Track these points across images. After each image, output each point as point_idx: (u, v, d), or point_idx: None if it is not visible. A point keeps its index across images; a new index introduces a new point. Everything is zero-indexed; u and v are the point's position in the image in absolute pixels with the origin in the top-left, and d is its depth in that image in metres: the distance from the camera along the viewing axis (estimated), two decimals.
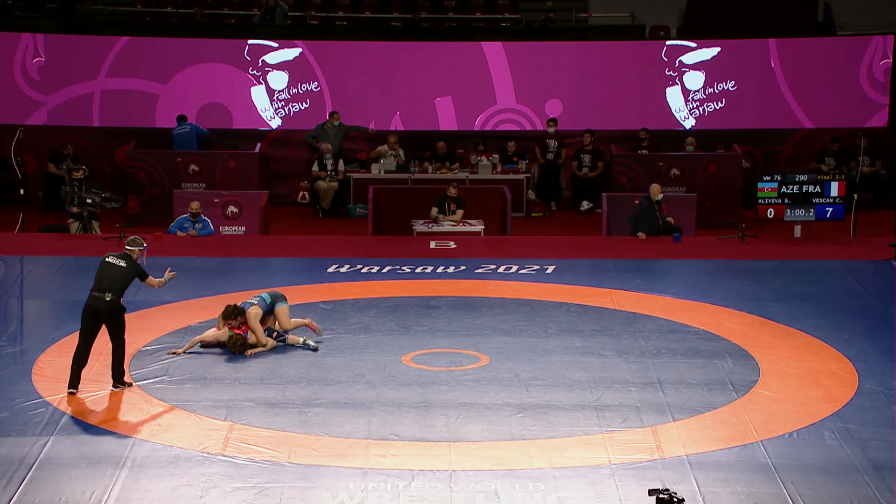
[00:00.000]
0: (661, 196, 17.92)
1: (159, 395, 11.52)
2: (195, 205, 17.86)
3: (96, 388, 11.60)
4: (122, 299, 11.56)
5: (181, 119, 20.95)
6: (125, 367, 11.72)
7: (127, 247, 11.82)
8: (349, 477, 9.81)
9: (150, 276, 11.89)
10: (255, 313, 12.69)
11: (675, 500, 7.50)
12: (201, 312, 13.57)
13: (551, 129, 21.28)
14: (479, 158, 21.24)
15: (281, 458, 10.14)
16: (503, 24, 23.79)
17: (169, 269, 12.19)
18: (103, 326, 11.58)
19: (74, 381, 11.48)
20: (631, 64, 21.69)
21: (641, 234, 17.80)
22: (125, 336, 11.63)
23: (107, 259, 11.66)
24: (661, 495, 7.55)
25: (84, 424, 10.79)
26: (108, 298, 11.46)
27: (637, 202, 18.27)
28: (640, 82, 21.62)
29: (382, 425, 10.85)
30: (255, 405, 11.28)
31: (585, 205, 21.26)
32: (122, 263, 11.62)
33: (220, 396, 11.48)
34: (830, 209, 17.85)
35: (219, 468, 9.95)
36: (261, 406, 11.26)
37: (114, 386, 11.59)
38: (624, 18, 23.28)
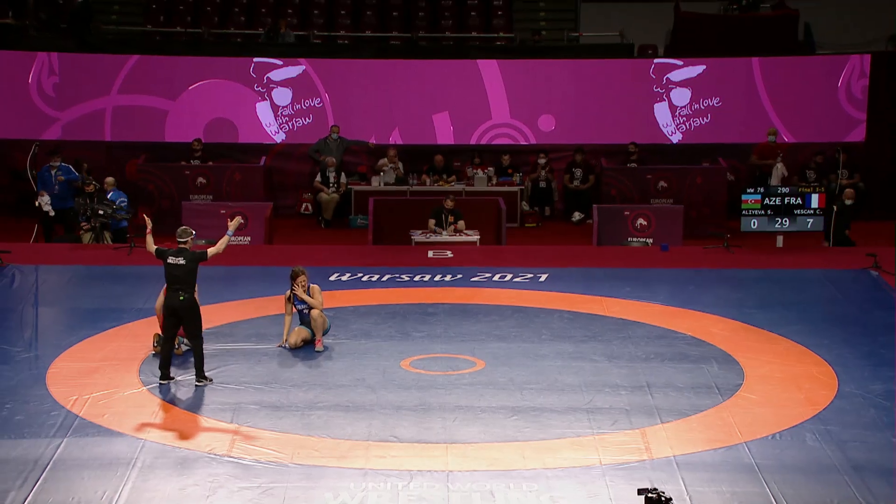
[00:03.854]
0: (849, 201, 18.26)
1: (168, 398, 11.51)
2: (110, 180, 18.27)
3: (108, 392, 11.59)
4: (196, 293, 11.80)
5: (55, 152, 18.96)
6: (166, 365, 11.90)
7: (179, 241, 11.91)
8: (350, 477, 9.79)
9: (209, 249, 12.04)
10: (317, 287, 13.08)
11: (663, 499, 7.48)
12: (209, 317, 13.53)
13: (542, 161, 21.33)
14: (475, 171, 21.24)
15: (285, 459, 10.12)
16: (498, 43, 23.81)
17: (230, 219, 12.38)
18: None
19: (165, 374, 11.83)
20: (620, 81, 21.71)
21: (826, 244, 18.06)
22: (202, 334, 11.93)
23: (168, 261, 11.81)
24: (650, 495, 7.53)
25: (96, 427, 10.77)
26: (181, 298, 11.71)
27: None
28: (629, 98, 21.63)
29: (382, 427, 10.83)
30: (259, 408, 11.26)
31: (577, 216, 21.26)
32: (182, 260, 11.78)
33: (226, 400, 11.46)
34: (811, 220, 17.85)
35: (225, 469, 9.94)
36: (265, 409, 11.25)
37: (197, 381, 11.76)
38: (613, 38, 23.30)
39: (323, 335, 12.99)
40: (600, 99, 21.66)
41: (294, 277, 13.00)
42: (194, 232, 12.23)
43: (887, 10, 23.38)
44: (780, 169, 20.03)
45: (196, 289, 11.91)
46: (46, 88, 21.14)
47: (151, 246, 12.13)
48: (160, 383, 11.77)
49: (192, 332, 11.84)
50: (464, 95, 21.62)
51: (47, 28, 22.65)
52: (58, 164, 18.66)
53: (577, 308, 14.65)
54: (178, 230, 12.10)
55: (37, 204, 18.32)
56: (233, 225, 12.22)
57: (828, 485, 9.76)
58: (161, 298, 12.73)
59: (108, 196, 18.06)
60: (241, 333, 13.39)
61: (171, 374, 11.88)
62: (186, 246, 11.90)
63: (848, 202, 18.25)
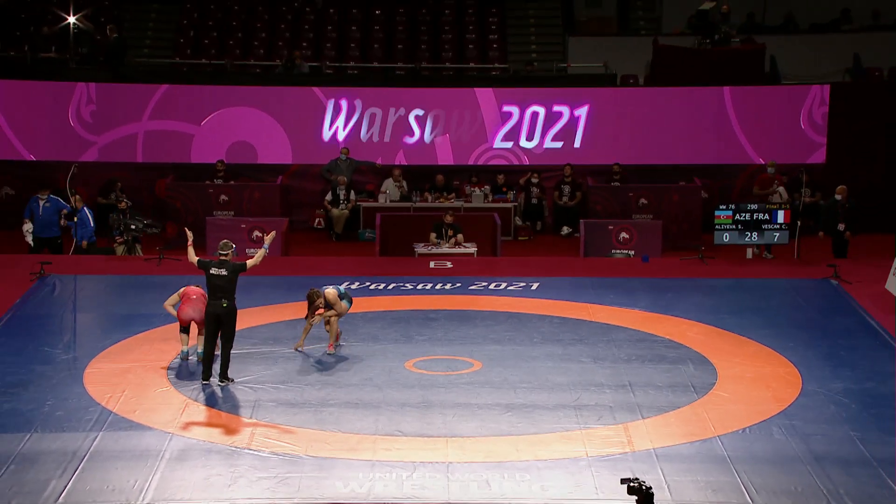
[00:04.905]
0: (838, 196, 17.96)
1: (193, 395, 11.52)
2: (78, 197, 17.72)
3: (139, 390, 11.60)
4: (234, 301, 11.73)
5: (45, 186, 18.13)
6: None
7: (220, 254, 11.86)
8: (359, 468, 9.80)
9: (248, 261, 12.00)
10: (333, 293, 12.78)
11: (643, 488, 7.47)
12: None
13: (535, 180, 21.34)
14: (472, 189, 21.25)
15: (299, 451, 10.13)
16: (493, 73, 23.83)
17: (265, 235, 12.31)
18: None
19: (206, 374, 11.74)
20: (604, 107, 21.72)
21: (821, 234, 18.09)
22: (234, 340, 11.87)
23: (211, 272, 11.74)
24: (632, 484, 7.52)
25: (128, 422, 10.78)
26: (224, 304, 11.66)
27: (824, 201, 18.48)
28: (612, 123, 21.65)
29: (388, 423, 10.84)
30: (276, 405, 11.27)
31: (565, 230, 21.26)
32: (224, 272, 11.73)
33: (246, 398, 11.47)
34: (778, 234, 17.86)
35: (245, 460, 9.95)
36: (282, 406, 11.25)
37: (220, 381, 11.69)
38: (598, 68, 23.31)
39: (343, 310, 12.86)
40: (586, 123, 21.66)
41: (311, 302, 12.78)
42: (234, 245, 12.19)
43: (844, 45, 23.53)
44: (781, 193, 20.01)
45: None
46: (84, 115, 21.17)
47: (193, 257, 12.07)
48: (202, 383, 11.72)
49: (228, 336, 11.77)
50: (462, 120, 21.63)
51: (86, 61, 22.71)
52: (46, 196, 17.96)
53: (565, 314, 14.66)
54: (220, 243, 12.04)
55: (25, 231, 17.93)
56: (268, 239, 12.26)
57: (792, 474, 9.77)
58: (173, 297, 12.66)
59: (80, 213, 17.62)
60: (259, 337, 13.39)
61: (211, 374, 11.81)
62: (227, 258, 11.84)
63: (837, 197, 18.09)
